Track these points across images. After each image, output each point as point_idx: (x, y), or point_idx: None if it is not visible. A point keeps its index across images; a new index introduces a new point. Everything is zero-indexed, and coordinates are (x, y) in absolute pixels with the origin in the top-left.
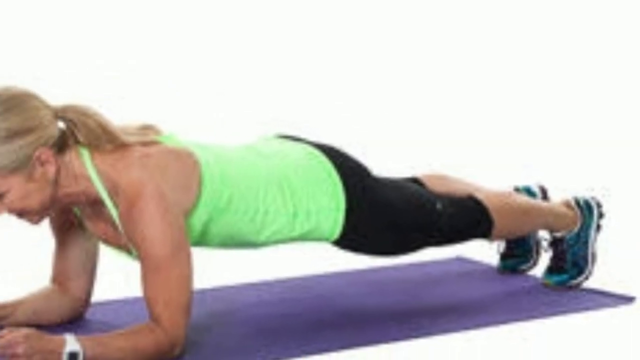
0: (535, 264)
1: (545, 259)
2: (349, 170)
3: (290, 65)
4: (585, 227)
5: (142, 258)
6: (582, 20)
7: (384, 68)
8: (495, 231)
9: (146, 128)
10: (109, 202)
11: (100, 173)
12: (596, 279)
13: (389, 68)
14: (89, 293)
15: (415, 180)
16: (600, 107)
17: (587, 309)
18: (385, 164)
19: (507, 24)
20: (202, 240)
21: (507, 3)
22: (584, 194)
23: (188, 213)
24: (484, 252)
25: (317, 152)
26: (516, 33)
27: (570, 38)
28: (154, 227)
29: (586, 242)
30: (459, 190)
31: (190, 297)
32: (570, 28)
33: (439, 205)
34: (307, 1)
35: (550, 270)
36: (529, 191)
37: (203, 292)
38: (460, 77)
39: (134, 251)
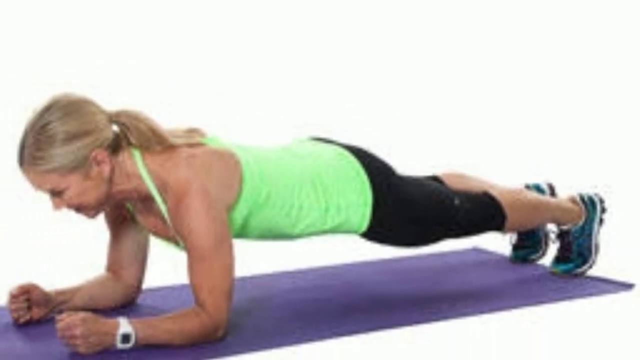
0: (544, 254)
1: (553, 249)
2: (376, 169)
3: (324, 74)
4: (589, 221)
5: (188, 249)
6: (592, 25)
7: (410, 79)
8: (508, 224)
9: (192, 131)
10: (158, 198)
11: (150, 172)
12: (599, 268)
13: (414, 80)
14: (140, 280)
15: (435, 179)
16: (603, 111)
17: (590, 295)
18: (408, 163)
19: (522, 30)
20: (243, 233)
21: (521, 7)
22: (588, 191)
23: (230, 208)
24: (498, 243)
25: (346, 153)
26: (528, 41)
27: (577, 45)
28: (199, 221)
29: (590, 235)
30: (475, 187)
31: (232, 284)
32: (579, 34)
33: (456, 201)
34: (339, 13)
35: (558, 259)
36: (538, 188)
37: (243, 279)
38: (479, 87)
39: (181, 243)
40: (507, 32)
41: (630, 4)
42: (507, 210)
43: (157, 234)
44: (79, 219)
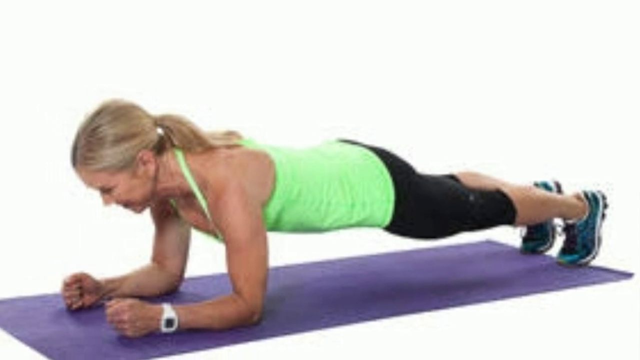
0: (551, 246)
1: (559, 242)
2: (398, 168)
3: (349, 80)
4: (592, 216)
5: (226, 241)
6: (598, 26)
7: (428, 85)
8: (518, 219)
9: (230, 133)
10: (199, 195)
11: (192, 171)
12: (601, 259)
13: (432, 86)
14: (182, 270)
15: (452, 177)
16: (605, 113)
17: (594, 283)
18: (427, 163)
19: (532, 33)
20: (276, 227)
21: (534, 8)
22: (591, 188)
23: (264, 204)
24: (509, 236)
25: (371, 154)
26: (537, 43)
27: (583, 46)
28: (236, 216)
29: (593, 228)
30: (488, 185)
31: (266, 273)
32: (585, 35)
33: (471, 198)
34: (361, 18)
35: (564, 251)
36: (546, 186)
37: (277, 269)
38: (494, 93)
39: (219, 235)
40: (518, 36)
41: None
42: (518, 206)
43: (198, 227)
44: (127, 214)
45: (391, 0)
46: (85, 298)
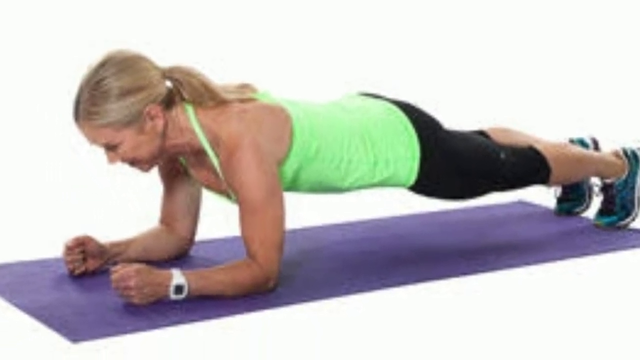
0: (588, 207)
1: (596, 202)
2: (423, 123)
3: (372, 28)
4: (632, 174)
5: (240, 202)
6: None
7: (456, 36)
8: (552, 178)
9: (243, 86)
10: (210, 152)
11: (203, 126)
12: None
13: (459, 36)
14: (193, 232)
15: (481, 133)
16: None
17: (633, 247)
18: (455, 118)
19: None
20: (293, 186)
21: None
22: (631, 144)
23: (281, 162)
24: (543, 196)
25: (394, 108)
26: None
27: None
28: (250, 174)
29: (633, 188)
30: (520, 141)
31: (283, 236)
32: None
33: (502, 155)
34: None
35: (601, 212)
36: (582, 142)
37: (294, 231)
38: (525, 42)
39: (232, 196)
40: None
41: None
42: (552, 164)
43: (210, 187)
44: (133, 172)
45: None
46: (89, 263)
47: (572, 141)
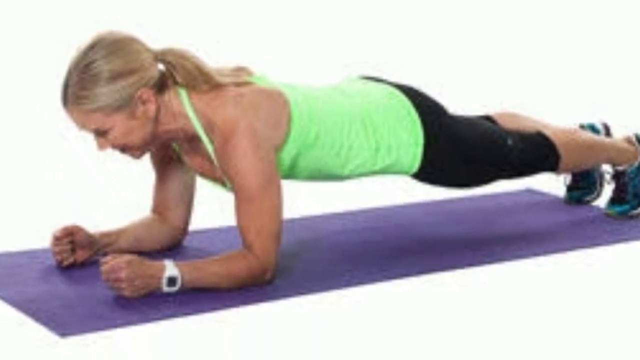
0: (599, 195)
1: (608, 190)
2: (427, 108)
3: (374, 10)
4: None
5: (235, 190)
6: None
7: (463, 16)
8: (562, 165)
9: (239, 70)
10: (205, 138)
11: (197, 111)
12: None
13: (466, 17)
14: (186, 222)
15: (488, 118)
16: None
17: None
18: (460, 103)
19: None
20: (292, 174)
21: None
22: None
23: (278, 148)
24: (552, 184)
25: (397, 92)
26: None
27: None
28: (246, 161)
29: None
30: (528, 127)
31: (280, 225)
32: None
33: (510, 141)
34: None
35: (613, 201)
36: (593, 128)
37: (292, 221)
38: (531, 22)
39: (228, 183)
40: None
41: None
42: (561, 150)
43: (204, 174)
44: (124, 159)
45: None
46: (78, 253)
47: (582, 126)
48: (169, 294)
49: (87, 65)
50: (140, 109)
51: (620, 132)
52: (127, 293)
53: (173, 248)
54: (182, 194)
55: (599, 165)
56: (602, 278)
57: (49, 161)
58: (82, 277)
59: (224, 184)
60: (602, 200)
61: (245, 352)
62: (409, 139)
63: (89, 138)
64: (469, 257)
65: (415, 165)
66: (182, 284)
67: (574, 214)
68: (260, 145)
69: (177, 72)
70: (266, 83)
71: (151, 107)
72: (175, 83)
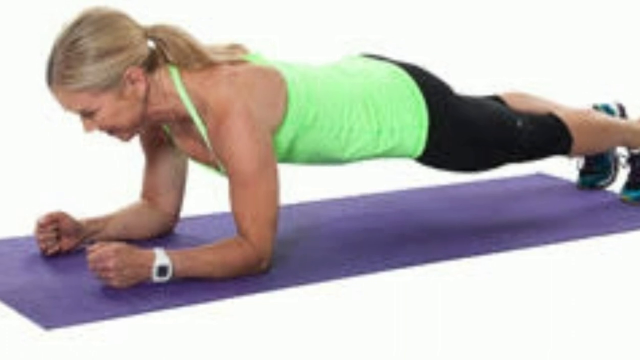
0: (613, 180)
1: (623, 175)
2: (432, 88)
3: None
4: None
5: (230, 174)
6: None
7: None
8: (574, 148)
9: (234, 47)
10: (197, 120)
11: (189, 91)
12: None
13: None
14: (178, 208)
15: (496, 99)
16: None
17: None
18: (467, 82)
19: None
20: (289, 157)
21: None
22: None
23: (275, 130)
24: (564, 168)
25: (400, 71)
26: None
27: None
28: (241, 144)
29: None
30: (539, 108)
31: (277, 212)
32: None
33: (519, 123)
34: None
35: (628, 186)
36: (607, 109)
37: (289, 207)
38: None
39: (222, 167)
40: None
41: None
42: (574, 133)
43: (196, 158)
44: (112, 142)
45: None
46: (63, 242)
47: (596, 107)
48: (159, 284)
49: (73, 43)
50: (129, 88)
51: (636, 113)
52: (115, 283)
53: (164, 235)
54: (173, 179)
55: (613, 148)
56: (616, 267)
57: (32, 145)
58: (67, 267)
59: (217, 168)
60: (617, 185)
61: (240, 346)
62: (413, 121)
63: (75, 119)
64: (476, 245)
65: (420, 149)
66: (174, 274)
67: (587, 199)
68: (255, 126)
69: (168, 50)
70: (262, 61)
71: (141, 87)
72: (166, 61)
